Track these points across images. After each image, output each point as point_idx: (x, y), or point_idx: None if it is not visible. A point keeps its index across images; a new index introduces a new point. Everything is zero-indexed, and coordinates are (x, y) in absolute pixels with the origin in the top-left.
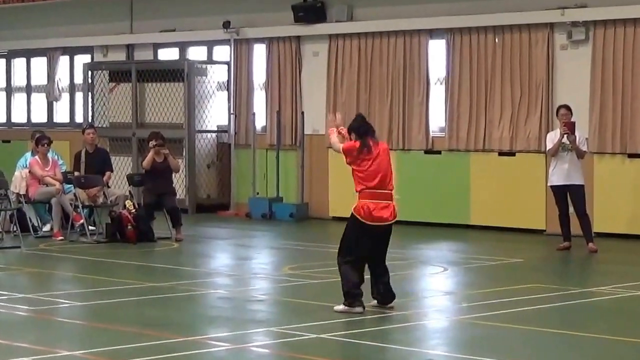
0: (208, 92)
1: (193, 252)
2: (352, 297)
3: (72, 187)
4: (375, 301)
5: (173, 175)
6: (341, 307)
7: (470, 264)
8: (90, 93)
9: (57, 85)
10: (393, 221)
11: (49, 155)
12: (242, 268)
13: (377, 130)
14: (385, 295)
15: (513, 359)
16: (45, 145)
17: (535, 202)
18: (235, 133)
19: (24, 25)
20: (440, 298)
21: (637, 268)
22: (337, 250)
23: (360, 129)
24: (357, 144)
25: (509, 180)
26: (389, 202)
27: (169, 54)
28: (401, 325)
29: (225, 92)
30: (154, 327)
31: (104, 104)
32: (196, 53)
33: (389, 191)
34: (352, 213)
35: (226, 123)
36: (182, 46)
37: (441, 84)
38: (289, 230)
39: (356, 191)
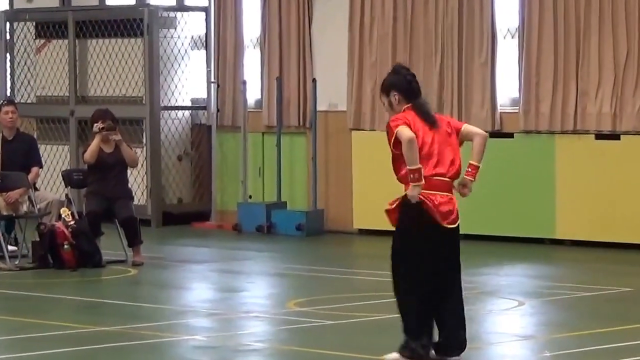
0: (178, 51)
1: (157, 281)
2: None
3: None
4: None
5: (128, 171)
6: (392, 356)
7: (556, 295)
8: (8, 55)
9: None
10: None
11: None
12: (228, 304)
13: None
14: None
15: None
16: None
17: None
18: (218, 110)
19: None
20: (514, 344)
21: None
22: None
23: (405, 82)
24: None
25: (610, 174)
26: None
27: None
28: None
29: (203, 52)
30: None
31: (29, 70)
32: None
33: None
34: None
35: (204, 96)
36: None
37: (512, 37)
38: (295, 249)
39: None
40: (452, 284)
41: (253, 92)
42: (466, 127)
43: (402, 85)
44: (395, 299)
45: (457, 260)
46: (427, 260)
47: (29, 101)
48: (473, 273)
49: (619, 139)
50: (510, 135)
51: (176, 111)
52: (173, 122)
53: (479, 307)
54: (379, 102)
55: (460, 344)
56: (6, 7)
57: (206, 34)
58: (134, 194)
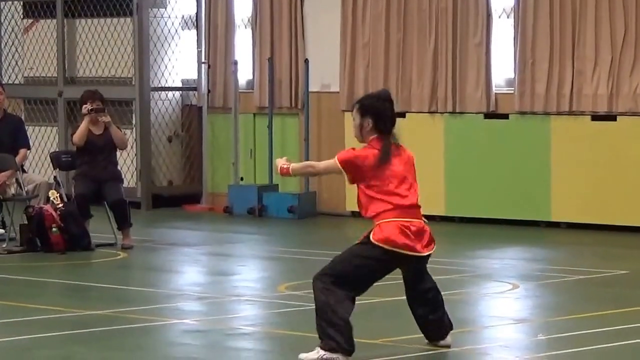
0: (169, 31)
1: (147, 265)
2: (344, 337)
3: None
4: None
5: (118, 153)
6: (318, 353)
7: (551, 278)
8: None
9: None
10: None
11: None
12: (218, 287)
13: (416, 85)
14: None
15: None
16: None
17: None
18: (209, 91)
19: None
20: (508, 328)
21: None
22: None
23: (386, 115)
24: (372, 152)
25: (607, 156)
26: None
27: None
28: None
29: (194, 32)
30: None
31: (17, 50)
32: None
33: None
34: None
35: (195, 77)
36: None
37: (508, 17)
38: (287, 231)
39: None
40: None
41: (244, 73)
42: None
43: (383, 117)
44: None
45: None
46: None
47: (16, 82)
48: (467, 256)
49: (615, 120)
50: (505, 117)
51: (166, 92)
52: (163, 103)
53: (473, 290)
54: (373, 83)
55: (446, 327)
56: None
57: (197, 14)
58: (123, 176)
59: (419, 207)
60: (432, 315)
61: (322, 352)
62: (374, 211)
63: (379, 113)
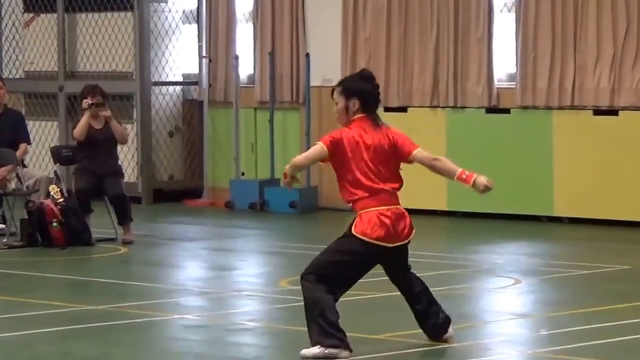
0: (169, 26)
1: (148, 260)
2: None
3: None
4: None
5: (118, 148)
6: (310, 351)
7: (553, 273)
8: None
9: None
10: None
11: None
12: (219, 283)
13: (418, 80)
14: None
15: None
16: None
17: None
18: (210, 86)
19: None
20: (510, 323)
21: None
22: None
23: (372, 93)
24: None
25: (609, 150)
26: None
27: None
28: None
29: (195, 26)
30: None
31: (17, 45)
32: None
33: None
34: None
35: (196, 71)
36: None
37: (509, 11)
38: (288, 226)
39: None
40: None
41: (245, 67)
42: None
43: (369, 96)
44: None
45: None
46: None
47: (17, 76)
48: (469, 251)
49: (617, 114)
50: (507, 111)
51: (167, 86)
52: (164, 97)
53: (475, 285)
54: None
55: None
56: None
57: (198, 8)
58: (124, 170)
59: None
60: (428, 309)
61: (324, 347)
62: (352, 198)
63: (364, 93)
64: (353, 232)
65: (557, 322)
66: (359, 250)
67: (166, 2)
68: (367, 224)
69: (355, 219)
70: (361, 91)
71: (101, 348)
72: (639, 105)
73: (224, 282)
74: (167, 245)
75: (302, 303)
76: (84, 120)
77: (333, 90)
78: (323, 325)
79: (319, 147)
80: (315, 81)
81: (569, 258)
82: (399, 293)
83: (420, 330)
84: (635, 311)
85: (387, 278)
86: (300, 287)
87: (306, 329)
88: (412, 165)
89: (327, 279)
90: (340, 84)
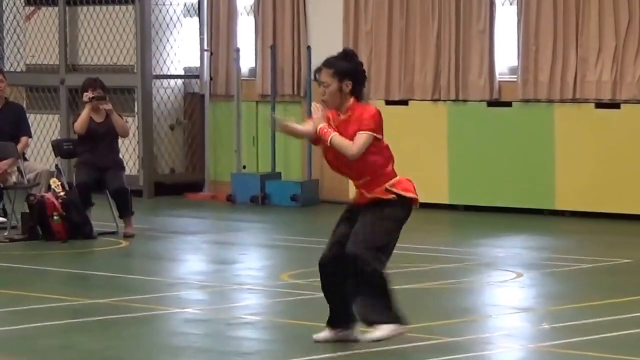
0: (171, 19)
1: (149, 253)
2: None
3: None
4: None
5: (120, 141)
6: (389, 328)
7: (555, 266)
8: None
9: None
10: None
11: None
12: (221, 276)
13: (419, 73)
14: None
15: None
16: None
17: None
18: (211, 79)
19: None
20: (512, 317)
21: None
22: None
23: (363, 73)
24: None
25: (611, 144)
26: None
27: None
28: (456, 357)
29: (196, 19)
30: None
31: (18, 38)
32: None
33: None
34: (401, 194)
35: (197, 64)
36: None
37: (511, 4)
38: (289, 220)
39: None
40: None
41: (247, 60)
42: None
43: (360, 78)
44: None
45: None
46: None
47: (18, 70)
48: (471, 244)
49: (619, 107)
50: (508, 104)
51: (168, 80)
52: (165, 90)
53: (477, 278)
54: (375, 71)
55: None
56: None
57: (199, 1)
58: (125, 164)
59: None
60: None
61: (391, 326)
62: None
63: (356, 73)
64: (405, 195)
65: (559, 315)
66: (407, 214)
67: None
68: (409, 185)
69: (386, 190)
70: (354, 72)
71: (102, 341)
72: None
73: (225, 275)
74: (168, 239)
75: (304, 296)
76: (84, 113)
77: (317, 71)
78: (393, 303)
79: (367, 137)
80: None
81: (570, 251)
82: (402, 287)
83: (423, 325)
84: (637, 304)
85: (391, 271)
86: (306, 280)
87: (309, 323)
88: (412, 159)
89: (383, 251)
90: (331, 65)
